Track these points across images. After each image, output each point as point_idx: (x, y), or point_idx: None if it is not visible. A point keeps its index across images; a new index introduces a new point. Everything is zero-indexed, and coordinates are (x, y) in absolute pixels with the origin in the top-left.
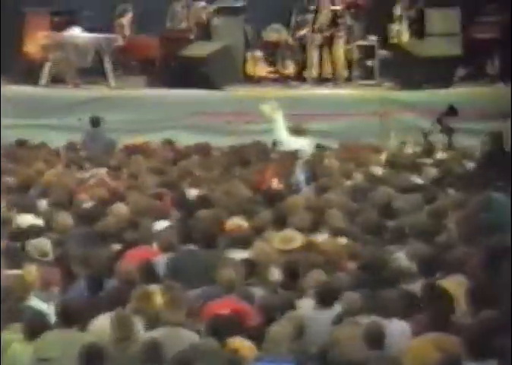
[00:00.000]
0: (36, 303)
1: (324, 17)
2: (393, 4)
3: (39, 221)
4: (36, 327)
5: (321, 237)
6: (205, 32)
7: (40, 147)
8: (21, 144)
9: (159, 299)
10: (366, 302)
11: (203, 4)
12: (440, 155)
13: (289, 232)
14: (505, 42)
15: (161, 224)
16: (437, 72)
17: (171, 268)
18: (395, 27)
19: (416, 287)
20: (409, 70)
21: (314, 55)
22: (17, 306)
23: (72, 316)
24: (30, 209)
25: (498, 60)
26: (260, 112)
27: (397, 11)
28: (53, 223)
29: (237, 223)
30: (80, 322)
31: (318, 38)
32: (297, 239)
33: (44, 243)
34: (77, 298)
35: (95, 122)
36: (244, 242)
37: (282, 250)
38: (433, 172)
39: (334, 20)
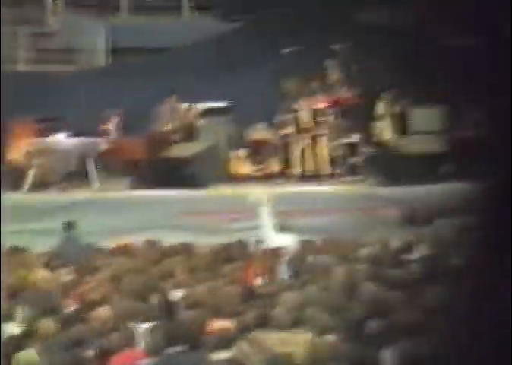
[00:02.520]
0: None
1: (306, 116)
2: (376, 102)
3: (20, 330)
4: None
5: (307, 336)
6: (190, 133)
7: (23, 252)
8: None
9: None
10: None
11: (189, 105)
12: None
13: (285, 334)
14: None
15: (144, 327)
16: (421, 169)
17: None
18: (379, 125)
19: None
20: (392, 167)
21: (298, 154)
22: None
23: None
24: (13, 318)
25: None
26: (246, 200)
27: (381, 109)
28: (36, 330)
29: (221, 323)
30: None
31: (301, 137)
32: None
33: (31, 355)
34: None
35: (69, 227)
36: (228, 343)
37: (263, 349)
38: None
39: (317, 119)
